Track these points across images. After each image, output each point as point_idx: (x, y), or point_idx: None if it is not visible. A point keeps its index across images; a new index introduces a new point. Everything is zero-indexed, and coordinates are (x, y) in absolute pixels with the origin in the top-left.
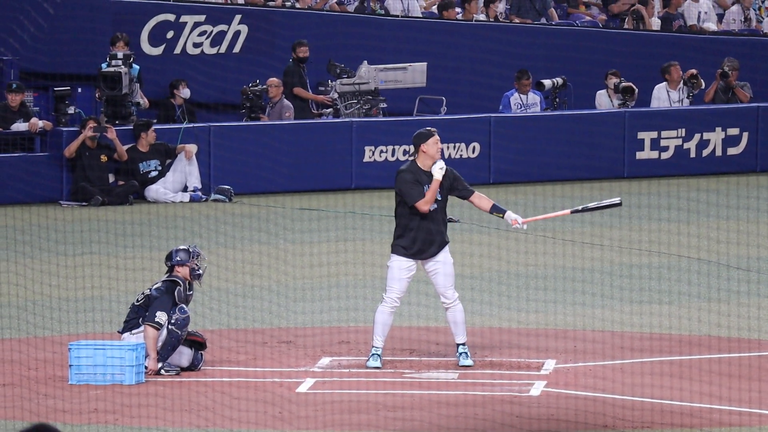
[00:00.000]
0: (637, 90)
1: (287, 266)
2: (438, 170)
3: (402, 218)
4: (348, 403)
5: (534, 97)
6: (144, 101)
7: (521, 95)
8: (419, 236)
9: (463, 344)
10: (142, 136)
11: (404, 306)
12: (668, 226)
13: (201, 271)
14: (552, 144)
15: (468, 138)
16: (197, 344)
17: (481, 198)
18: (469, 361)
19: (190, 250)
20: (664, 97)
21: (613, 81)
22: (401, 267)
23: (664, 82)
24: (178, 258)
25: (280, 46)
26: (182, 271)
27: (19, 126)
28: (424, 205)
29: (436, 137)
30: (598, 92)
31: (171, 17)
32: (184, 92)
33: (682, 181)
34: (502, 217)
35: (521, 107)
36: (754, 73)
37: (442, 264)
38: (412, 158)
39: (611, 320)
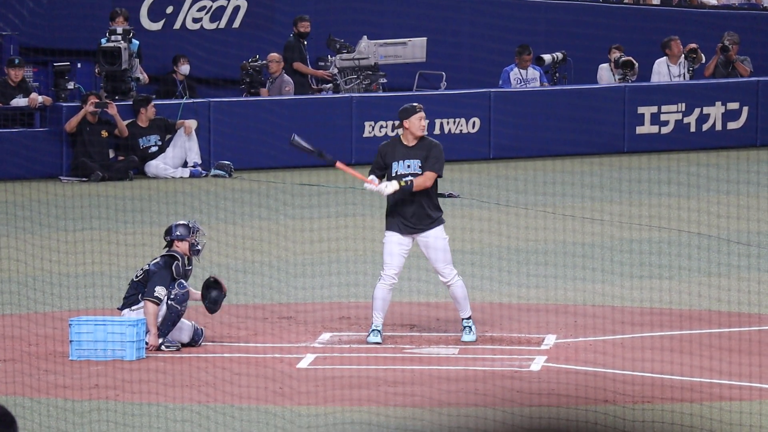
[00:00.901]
0: (637, 64)
1: (287, 242)
2: (383, 186)
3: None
4: (348, 379)
5: (534, 72)
6: (143, 76)
7: (521, 70)
8: (404, 211)
9: (467, 318)
10: (142, 112)
11: (404, 281)
12: (668, 200)
13: (200, 247)
14: (552, 119)
15: (468, 113)
16: (218, 286)
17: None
18: (470, 337)
19: (190, 225)
20: (664, 71)
21: (615, 55)
22: (392, 241)
23: (665, 57)
24: (177, 233)
25: (280, 21)
26: (181, 246)
27: (19, 101)
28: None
29: (421, 114)
30: (601, 66)
31: None
32: (183, 68)
33: (682, 156)
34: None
35: (521, 82)
36: (754, 47)
37: (433, 240)
38: (399, 132)
39: (611, 295)
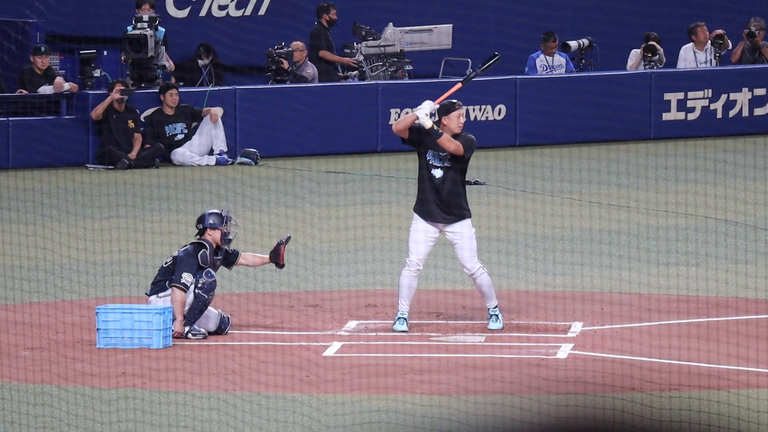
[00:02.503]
0: (661, 50)
1: (313, 229)
2: (424, 117)
3: (418, 181)
4: (375, 367)
5: (560, 59)
6: (170, 64)
7: (547, 57)
8: (428, 198)
9: (494, 307)
10: (162, 99)
11: (430, 269)
12: (695, 187)
13: (232, 237)
14: (578, 105)
15: (494, 100)
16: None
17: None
18: (497, 325)
19: (223, 214)
20: (690, 57)
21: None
22: (418, 229)
23: (691, 43)
24: (210, 221)
25: (306, 9)
26: (213, 235)
27: (46, 89)
28: (395, 127)
29: (460, 111)
30: (633, 51)
31: None
32: (203, 62)
33: (709, 142)
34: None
35: (547, 69)
36: None
37: (459, 237)
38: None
39: (638, 282)
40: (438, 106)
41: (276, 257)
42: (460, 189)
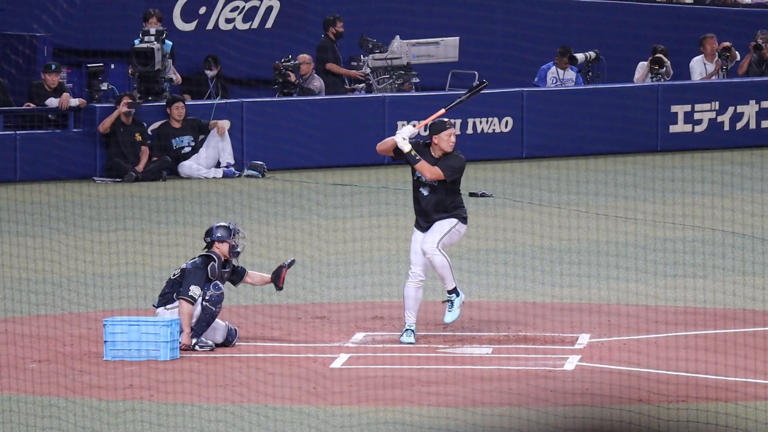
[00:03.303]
0: (668, 62)
1: (320, 242)
2: (401, 140)
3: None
4: (382, 379)
5: (571, 74)
6: (177, 77)
7: (559, 70)
8: (418, 211)
9: (451, 292)
10: (169, 112)
11: (436, 281)
12: (702, 199)
13: (240, 249)
14: (585, 118)
15: (500, 112)
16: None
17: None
18: (451, 316)
19: (231, 227)
20: (701, 69)
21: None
22: (415, 239)
23: (701, 55)
24: (218, 234)
25: (313, 21)
26: (221, 248)
27: (53, 102)
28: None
29: (451, 130)
30: (640, 63)
31: None
32: (210, 73)
33: (716, 155)
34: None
35: (556, 81)
36: None
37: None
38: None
39: (645, 294)
40: (417, 130)
41: (276, 279)
42: (447, 201)
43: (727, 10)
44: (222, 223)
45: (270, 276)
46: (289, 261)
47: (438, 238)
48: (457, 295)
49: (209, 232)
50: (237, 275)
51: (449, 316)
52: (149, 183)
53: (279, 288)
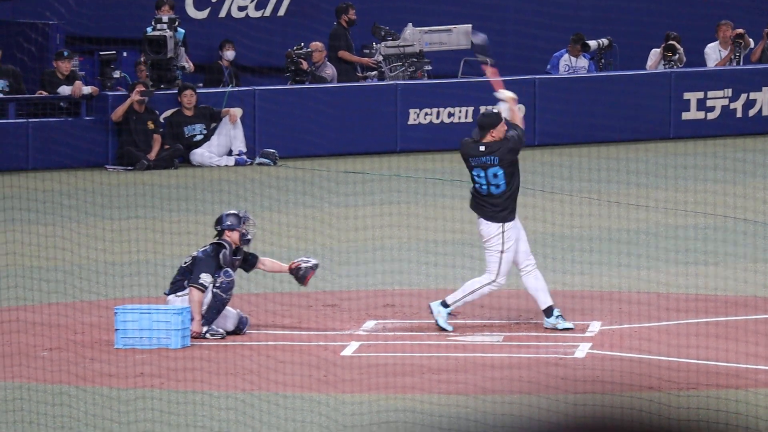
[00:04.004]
0: (681, 49)
1: (332, 229)
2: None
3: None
4: (393, 366)
5: (584, 61)
6: (189, 65)
7: (572, 57)
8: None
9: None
10: (179, 100)
11: (449, 269)
12: (714, 186)
13: (250, 236)
14: (597, 105)
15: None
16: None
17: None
18: (565, 324)
19: (240, 215)
20: (716, 56)
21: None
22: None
23: (717, 42)
24: (228, 222)
25: (325, 9)
26: (232, 236)
27: (65, 90)
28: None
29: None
30: (653, 50)
31: None
32: (228, 54)
33: (728, 142)
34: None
35: (569, 69)
36: None
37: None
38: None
39: (657, 281)
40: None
41: (301, 280)
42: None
43: None
44: (232, 211)
45: (287, 267)
46: (314, 263)
47: (490, 264)
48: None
49: (219, 221)
50: (248, 263)
51: (567, 324)
52: (161, 171)
53: (303, 284)
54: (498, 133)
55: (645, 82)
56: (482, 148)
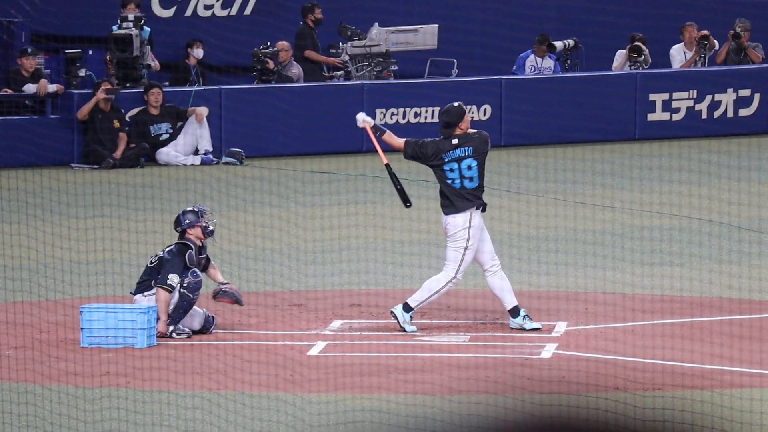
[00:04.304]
0: (647, 50)
1: (298, 229)
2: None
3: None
4: (359, 366)
5: (549, 62)
6: (155, 64)
7: (537, 58)
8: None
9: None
10: (146, 99)
11: (415, 269)
12: (679, 187)
13: (212, 227)
14: (563, 106)
15: (479, 100)
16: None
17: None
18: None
19: (197, 209)
20: (681, 57)
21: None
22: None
23: (681, 43)
24: (187, 221)
25: (291, 9)
26: (194, 233)
27: (30, 88)
28: None
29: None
30: (619, 51)
31: None
32: (197, 52)
33: (694, 143)
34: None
35: (535, 70)
36: (766, 33)
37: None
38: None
39: (622, 282)
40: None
41: (217, 293)
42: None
43: None
44: (187, 209)
45: (220, 281)
46: (238, 299)
47: (449, 258)
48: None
49: (178, 221)
50: (205, 264)
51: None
52: (127, 170)
53: (213, 297)
54: (465, 124)
55: (610, 83)
56: (455, 141)
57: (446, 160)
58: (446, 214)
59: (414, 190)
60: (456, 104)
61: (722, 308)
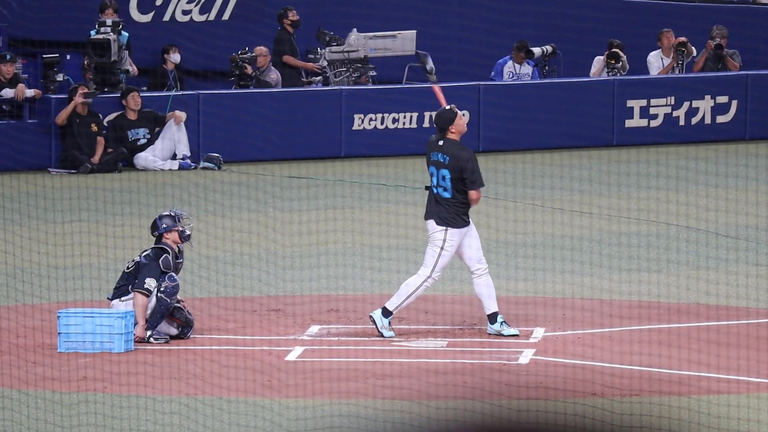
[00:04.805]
0: (624, 57)
1: (276, 234)
2: None
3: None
4: (337, 371)
5: (527, 68)
6: (133, 68)
7: (515, 64)
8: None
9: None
10: (125, 103)
11: (393, 274)
12: (657, 194)
13: (189, 232)
14: (541, 112)
15: (457, 106)
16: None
17: None
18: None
19: (173, 213)
20: (659, 64)
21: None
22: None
23: (659, 50)
24: (164, 225)
25: (270, 14)
26: (171, 237)
27: (8, 92)
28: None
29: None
30: (596, 58)
31: None
32: (174, 57)
33: (671, 149)
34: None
35: (513, 76)
36: (743, 40)
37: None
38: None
39: (600, 288)
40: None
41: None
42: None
43: (682, 5)
44: (164, 213)
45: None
46: (189, 323)
47: (427, 262)
48: None
49: (155, 226)
50: (179, 266)
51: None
52: (105, 174)
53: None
54: (457, 127)
55: (588, 89)
56: (441, 143)
57: (431, 159)
58: (428, 217)
59: (392, 195)
60: (448, 107)
61: (699, 314)
